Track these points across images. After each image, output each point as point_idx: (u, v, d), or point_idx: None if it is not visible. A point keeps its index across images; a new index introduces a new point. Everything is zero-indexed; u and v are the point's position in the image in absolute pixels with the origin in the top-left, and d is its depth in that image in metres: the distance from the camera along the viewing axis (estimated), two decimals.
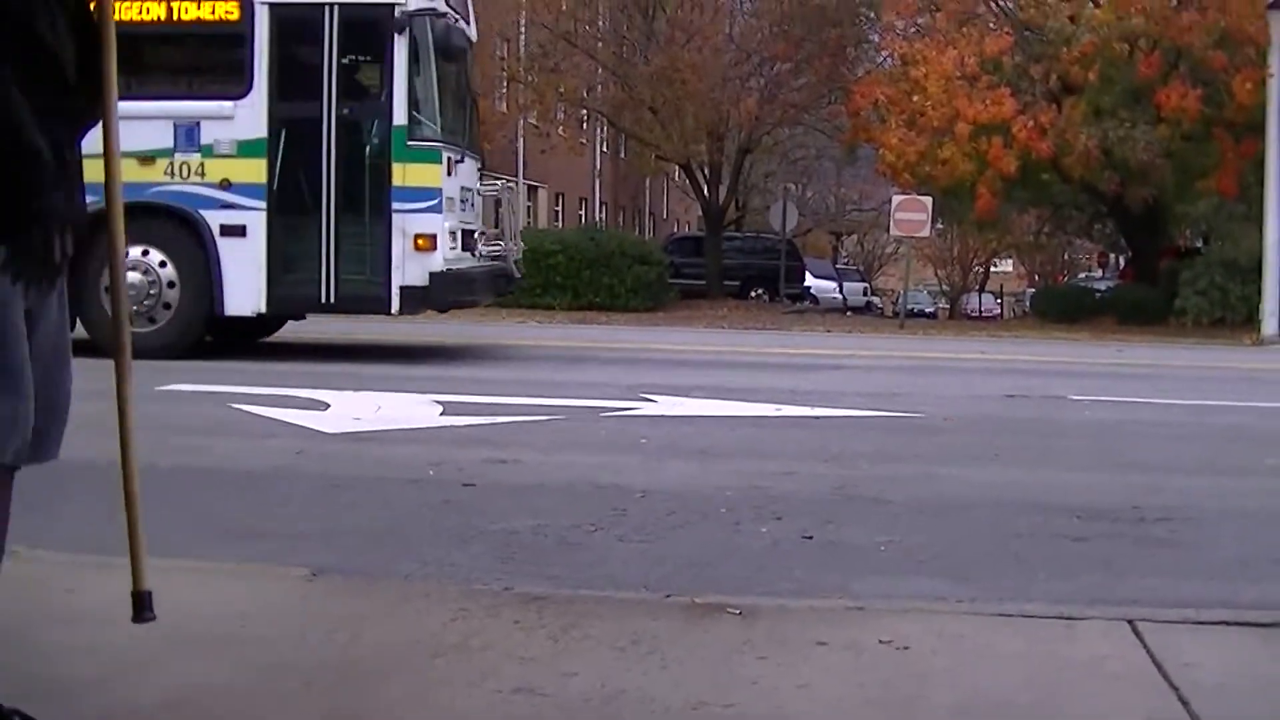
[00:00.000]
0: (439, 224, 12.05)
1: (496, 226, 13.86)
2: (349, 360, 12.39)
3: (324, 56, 11.86)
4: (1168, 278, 26.13)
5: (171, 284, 11.77)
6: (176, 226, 11.69)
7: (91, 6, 2.54)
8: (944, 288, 61.66)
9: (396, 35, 11.82)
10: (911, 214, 24.31)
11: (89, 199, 2.67)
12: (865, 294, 45.65)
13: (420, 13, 11.91)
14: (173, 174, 11.65)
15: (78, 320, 10.24)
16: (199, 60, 12.29)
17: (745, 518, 5.40)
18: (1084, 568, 4.69)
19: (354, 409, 8.57)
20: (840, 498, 5.86)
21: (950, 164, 25.41)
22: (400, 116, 11.88)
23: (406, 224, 11.89)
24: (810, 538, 5.00)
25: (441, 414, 8.47)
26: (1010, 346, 18.44)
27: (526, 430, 7.95)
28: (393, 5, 11.84)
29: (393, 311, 11.98)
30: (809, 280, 36.92)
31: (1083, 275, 55.35)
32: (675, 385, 10.65)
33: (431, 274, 11.93)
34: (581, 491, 5.92)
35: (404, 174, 11.89)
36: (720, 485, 6.11)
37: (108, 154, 2.66)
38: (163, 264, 11.71)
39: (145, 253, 11.63)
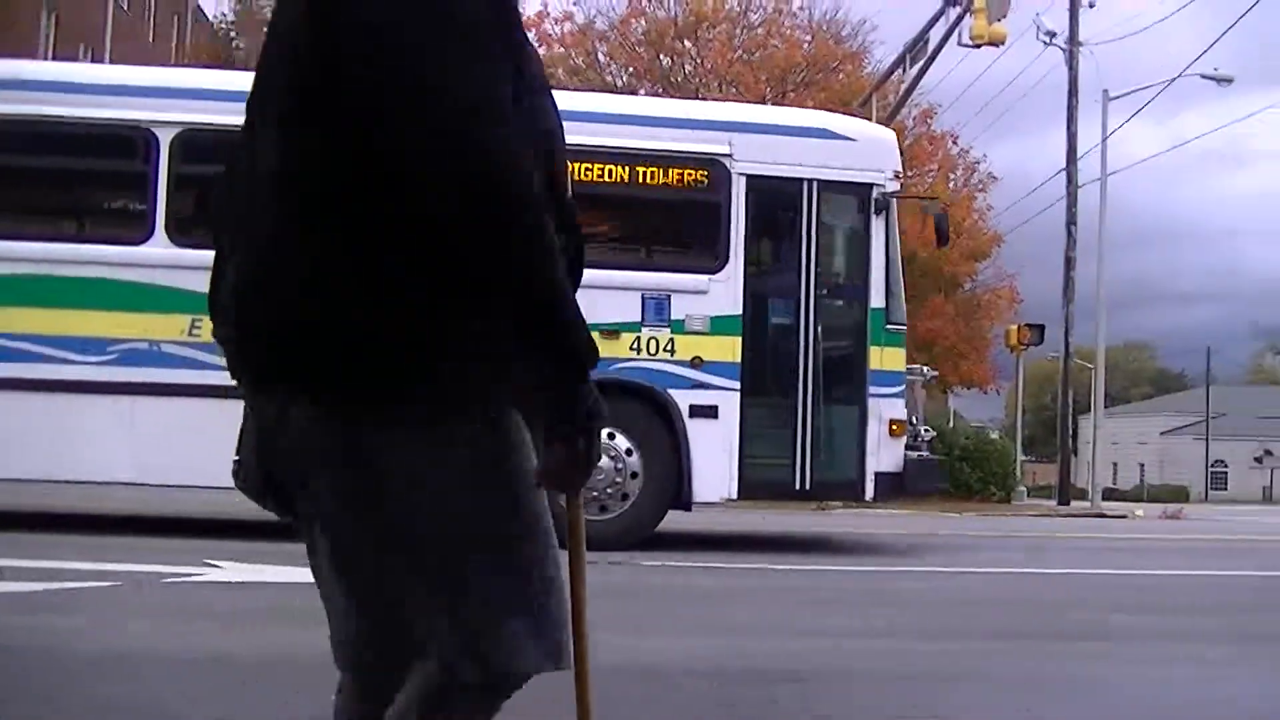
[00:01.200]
0: (904, 409, 11.14)
1: None
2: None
3: (801, 232, 11.17)
4: None
5: (634, 474, 10.81)
6: (643, 406, 10.80)
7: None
8: None
9: (874, 215, 11.06)
10: None
11: None
12: None
13: (894, 193, 11.17)
14: (639, 350, 10.84)
15: None
16: (670, 229, 11.62)
17: None
18: None
19: None
20: None
21: None
22: (878, 298, 11.14)
23: (882, 409, 11.01)
24: None
25: None
26: None
27: None
28: (871, 185, 11.07)
29: (866, 498, 10.98)
30: None
31: None
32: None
33: (906, 460, 10.95)
34: None
35: (880, 357, 11.05)
36: None
37: None
38: (629, 451, 10.78)
39: (612, 436, 10.75)
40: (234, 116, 2.33)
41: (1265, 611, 8.95)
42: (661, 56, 36.62)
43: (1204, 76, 31.06)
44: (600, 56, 38.09)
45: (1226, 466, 79.50)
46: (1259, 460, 71.65)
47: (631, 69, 37.69)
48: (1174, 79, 30.36)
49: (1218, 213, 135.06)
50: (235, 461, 2.37)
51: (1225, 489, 75.25)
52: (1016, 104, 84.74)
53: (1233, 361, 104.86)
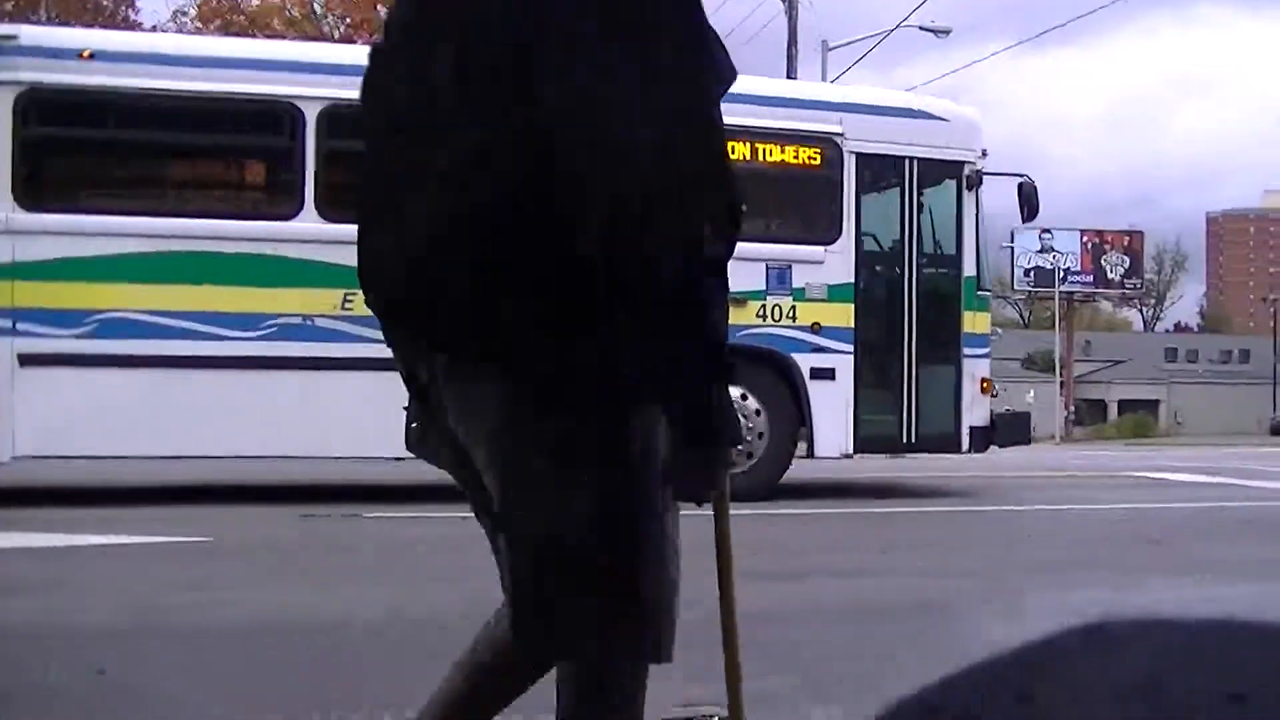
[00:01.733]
0: (989, 368, 12.30)
1: None
2: None
3: (903, 206, 12.08)
4: None
5: (761, 433, 11.65)
6: (769, 370, 11.64)
7: None
8: None
9: (966, 190, 12.07)
10: None
11: None
12: None
13: (983, 170, 12.21)
14: (764, 317, 11.65)
15: None
16: (789, 203, 12.39)
17: None
18: None
19: None
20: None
21: None
22: (970, 267, 12.19)
23: (974, 369, 12.11)
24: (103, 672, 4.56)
25: None
26: None
27: None
28: (963, 162, 12.08)
29: (963, 450, 12.09)
30: None
31: None
32: None
33: (993, 415, 12.16)
34: None
35: (973, 321, 12.12)
36: None
37: None
38: (758, 411, 11.61)
39: (744, 397, 11.56)
40: None
41: None
42: (379, 6, 36.34)
43: (922, 28, 31.17)
44: (317, 7, 37.93)
45: None
46: None
47: (349, 19, 37.60)
48: (892, 30, 30.54)
49: None
50: (408, 426, 2.48)
51: None
52: (737, 53, 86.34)
53: None
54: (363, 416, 9.95)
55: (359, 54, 10.72)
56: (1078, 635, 0.65)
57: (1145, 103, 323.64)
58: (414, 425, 2.47)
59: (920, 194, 12.25)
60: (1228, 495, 13.90)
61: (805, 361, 11.88)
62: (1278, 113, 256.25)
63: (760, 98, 11.84)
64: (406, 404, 2.46)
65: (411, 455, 2.54)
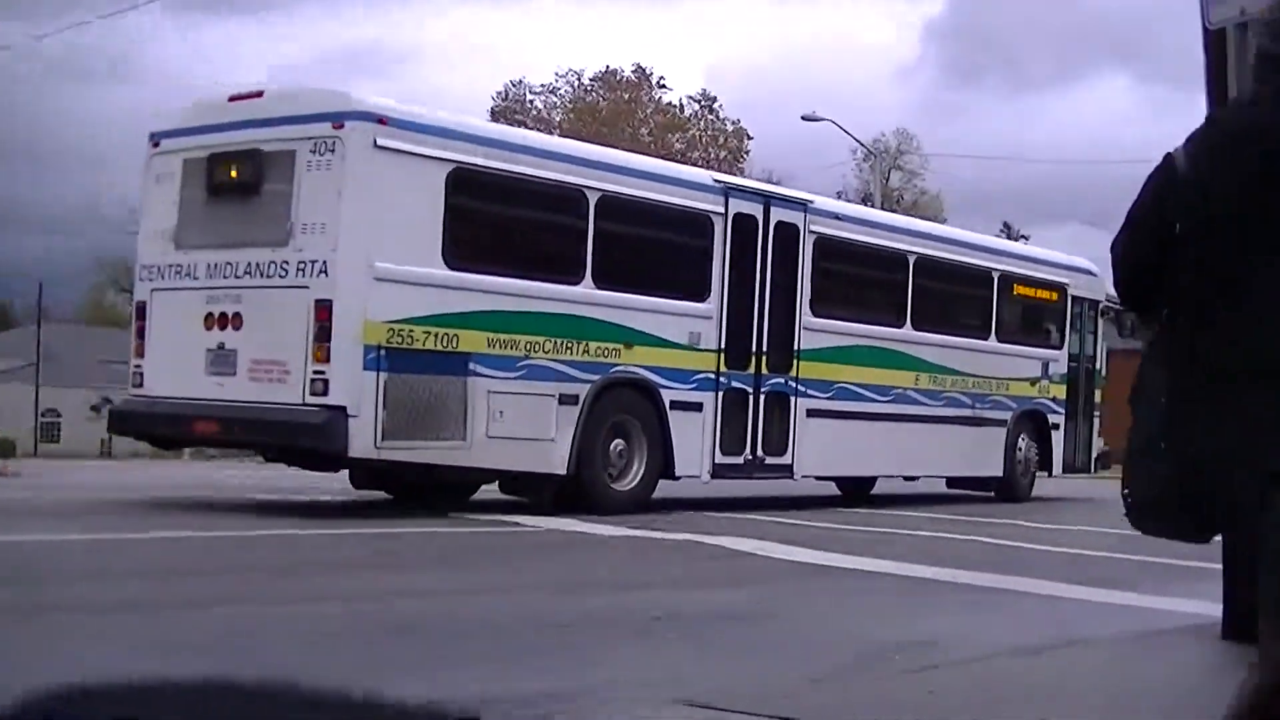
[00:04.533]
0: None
1: None
2: None
3: (1085, 331, 20.63)
4: None
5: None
6: (1039, 424, 19.59)
7: None
8: None
9: (1100, 319, 20.59)
10: None
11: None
12: None
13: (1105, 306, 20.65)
14: (1040, 392, 19.55)
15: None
16: (1045, 325, 20.17)
17: None
18: None
19: None
20: None
21: None
22: (1100, 364, 20.92)
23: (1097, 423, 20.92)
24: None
25: None
26: None
27: None
28: (1099, 301, 20.50)
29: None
30: None
31: None
32: None
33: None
34: None
35: (1099, 395, 20.86)
36: None
37: None
38: (1032, 449, 19.62)
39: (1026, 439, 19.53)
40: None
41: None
42: None
43: None
44: None
45: (60, 416, 68.65)
46: (96, 409, 54.98)
47: None
48: None
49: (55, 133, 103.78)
50: (1126, 498, 3.31)
51: (58, 441, 64.05)
52: None
53: (67, 300, 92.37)
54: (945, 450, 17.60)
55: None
56: None
57: None
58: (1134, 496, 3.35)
59: (1088, 325, 20.48)
60: None
61: (1052, 418, 19.71)
62: None
63: (1028, 258, 20.00)
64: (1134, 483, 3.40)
65: None
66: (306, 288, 12.25)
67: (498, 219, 13.66)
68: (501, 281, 13.18)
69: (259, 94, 13.28)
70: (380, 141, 12.29)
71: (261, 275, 12.62)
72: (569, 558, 10.52)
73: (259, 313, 12.64)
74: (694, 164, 55.27)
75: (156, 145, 13.71)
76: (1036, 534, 13.66)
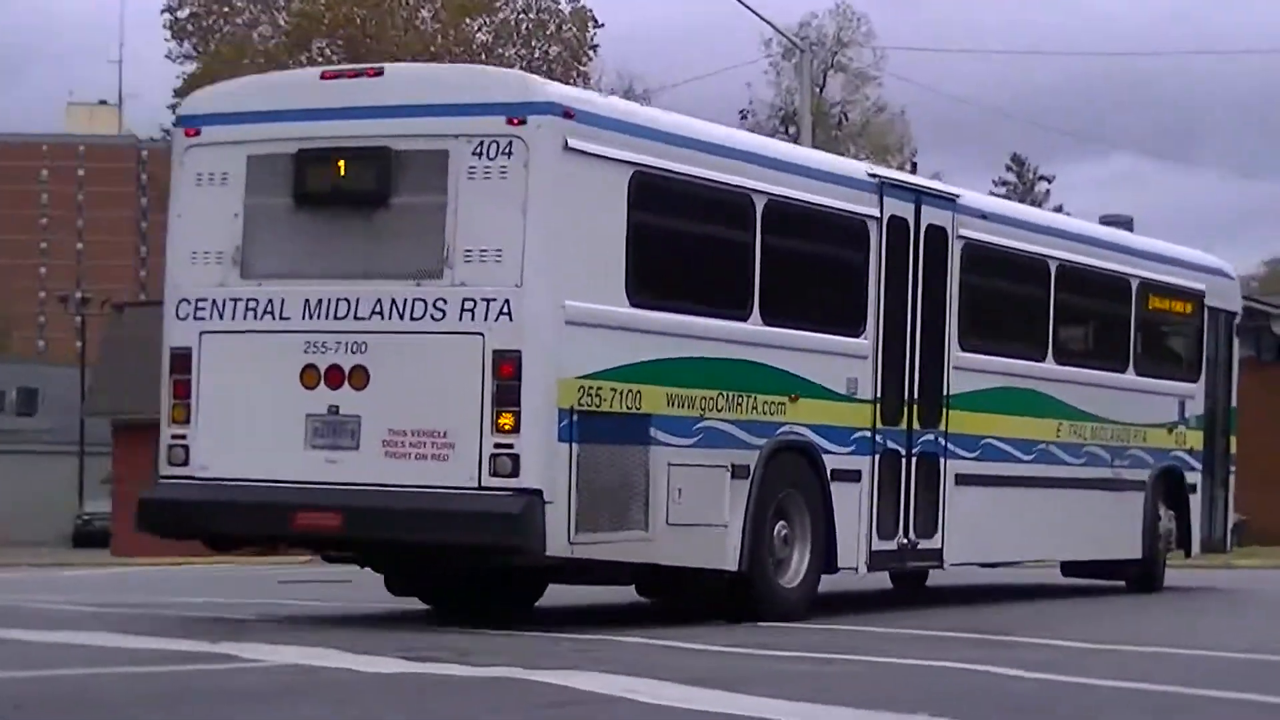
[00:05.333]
0: None
1: None
2: None
3: (1221, 354, 17.03)
4: None
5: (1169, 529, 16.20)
6: (1176, 481, 16.08)
7: None
8: None
9: (1234, 333, 17.29)
10: None
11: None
12: None
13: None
14: (1179, 442, 16.03)
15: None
16: (1176, 349, 16.78)
17: None
18: None
19: None
20: None
21: None
22: (1235, 400, 17.38)
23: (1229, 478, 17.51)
24: None
25: None
26: None
27: None
28: (1235, 313, 17.28)
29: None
30: None
31: None
32: None
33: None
34: None
35: (1234, 442, 17.41)
36: None
37: None
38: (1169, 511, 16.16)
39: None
40: None
41: None
42: None
43: None
44: None
45: None
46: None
47: None
48: None
49: None
50: None
51: None
52: None
53: None
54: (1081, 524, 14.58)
55: None
56: None
57: None
58: None
59: (1229, 341, 17.16)
60: None
61: (1190, 477, 16.42)
62: None
63: (1153, 254, 16.25)
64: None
65: None
66: (478, 334, 9.78)
67: (677, 239, 11.19)
68: (681, 321, 10.83)
69: (376, 71, 10.81)
70: (571, 143, 9.91)
71: (399, 316, 9.99)
72: None
73: (396, 366, 10.06)
74: (508, 64, 44.97)
75: (196, 133, 10.74)
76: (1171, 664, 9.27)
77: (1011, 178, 63.38)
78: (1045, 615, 13.47)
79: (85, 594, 16.10)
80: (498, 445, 9.63)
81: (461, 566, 11.07)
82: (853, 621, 11.56)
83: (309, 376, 10.12)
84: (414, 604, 12.01)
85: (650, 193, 10.51)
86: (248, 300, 10.37)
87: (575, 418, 9.81)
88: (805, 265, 12.03)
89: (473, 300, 9.75)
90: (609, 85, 46.38)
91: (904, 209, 12.53)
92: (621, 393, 10.19)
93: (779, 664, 8.77)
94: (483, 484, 9.66)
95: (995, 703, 7.31)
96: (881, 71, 48.64)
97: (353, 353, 10.02)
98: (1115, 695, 7.56)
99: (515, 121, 9.74)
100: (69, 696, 7.31)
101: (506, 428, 9.62)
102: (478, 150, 9.77)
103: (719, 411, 10.87)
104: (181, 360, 10.64)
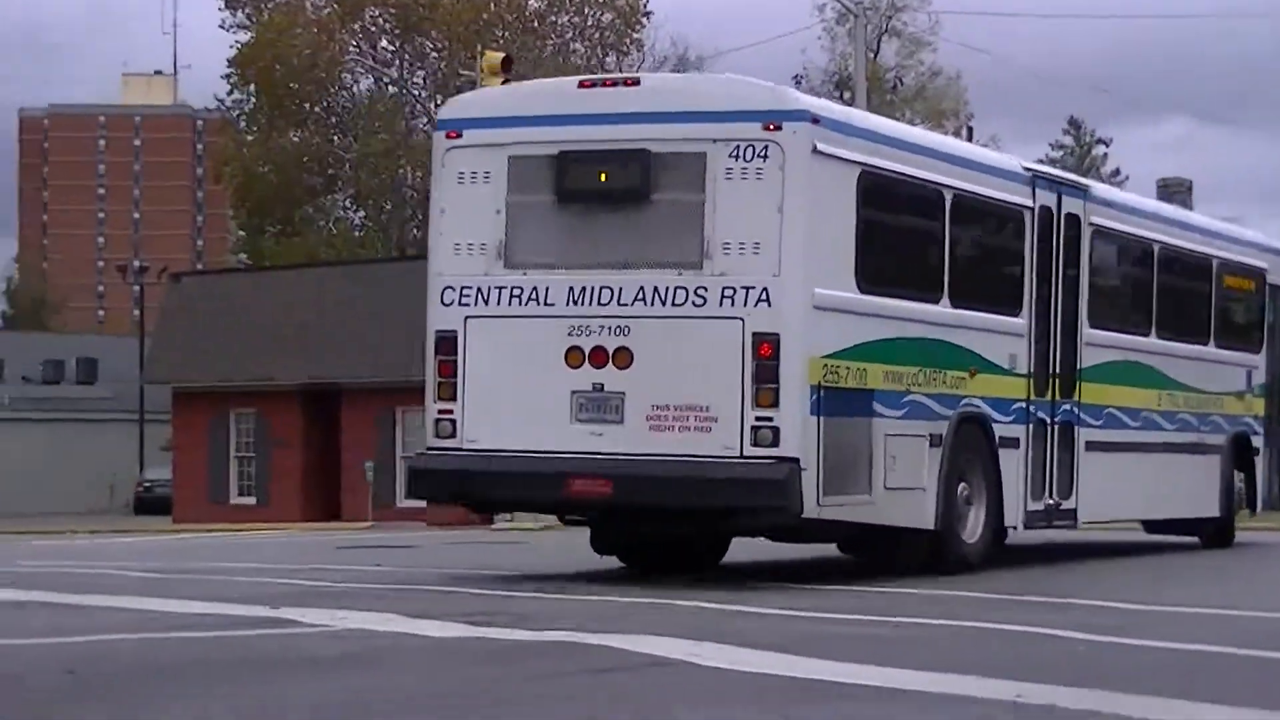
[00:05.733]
0: None
1: None
2: None
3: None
4: None
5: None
6: (1245, 445, 17.16)
7: None
8: None
9: None
10: None
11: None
12: None
13: None
14: (1245, 409, 17.14)
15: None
16: (1238, 322, 17.67)
17: None
18: None
19: None
20: None
21: None
22: None
23: None
24: None
25: None
26: None
27: None
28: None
29: None
30: None
31: None
32: None
33: None
34: None
35: None
36: None
37: None
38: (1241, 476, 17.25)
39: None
40: None
41: None
42: None
43: None
44: None
45: None
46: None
47: None
48: None
49: None
50: None
51: None
52: None
53: None
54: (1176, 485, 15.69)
55: None
56: None
57: None
58: None
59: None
60: None
61: (1256, 441, 17.60)
62: None
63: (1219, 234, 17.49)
64: None
65: None
66: (739, 319, 10.90)
67: (890, 230, 12.45)
68: (896, 305, 12.09)
69: (632, 81, 12.00)
70: (819, 146, 11.09)
71: (662, 302, 11.10)
72: None
73: (659, 347, 11.13)
74: (562, 34, 49.94)
75: (457, 136, 11.78)
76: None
77: (1069, 141, 62.59)
78: (1123, 575, 14.36)
79: (145, 560, 16.56)
80: (758, 418, 10.72)
81: (712, 529, 12.30)
82: (913, 585, 11.61)
83: (574, 357, 11.14)
84: (493, 568, 12.92)
85: (873, 189, 11.70)
86: (512, 287, 11.39)
87: (821, 393, 10.96)
88: (979, 251, 13.53)
89: (732, 288, 10.85)
90: (661, 52, 46.33)
91: (1049, 199, 13.83)
92: (853, 370, 11.39)
93: (839, 627, 8.79)
94: (744, 453, 10.76)
95: (1054, 666, 7.09)
96: (936, 36, 48.39)
97: (616, 335, 11.07)
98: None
99: (771, 127, 10.83)
100: (126, 661, 7.40)
101: (766, 403, 10.74)
102: (734, 153, 10.86)
103: (919, 386, 12.08)
104: (447, 342, 11.58)
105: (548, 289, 11.32)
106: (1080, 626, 8.57)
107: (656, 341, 11.06)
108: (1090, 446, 14.27)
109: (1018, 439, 13.24)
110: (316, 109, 52.30)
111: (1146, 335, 15.51)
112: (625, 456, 11.07)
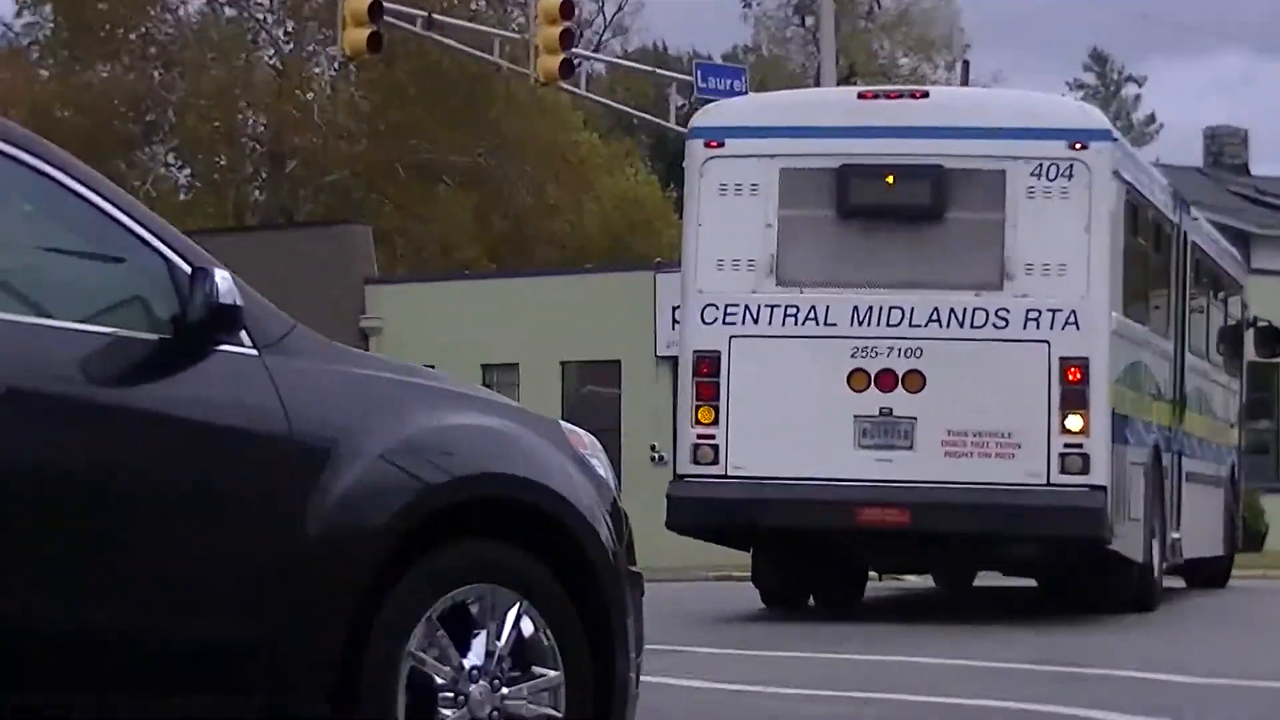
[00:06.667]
0: None
1: None
2: None
3: None
4: None
5: None
6: None
7: None
8: None
9: None
10: None
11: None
12: None
13: None
14: None
15: None
16: None
17: None
18: None
19: None
20: None
21: None
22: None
23: None
24: None
25: None
26: None
27: None
28: None
29: None
30: None
31: None
32: None
33: None
34: None
35: None
36: None
37: None
38: None
39: None
40: None
41: None
42: None
43: None
44: None
45: None
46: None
47: None
48: None
49: None
50: None
51: None
52: None
53: None
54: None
55: None
56: None
57: None
58: None
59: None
60: None
61: (1237, 473, 17.39)
62: None
63: None
64: None
65: None
66: (1044, 341, 10.71)
67: (1134, 255, 12.20)
68: (1139, 330, 12.24)
69: (922, 94, 11.83)
70: (1118, 168, 11.16)
71: (959, 324, 10.83)
72: None
73: (955, 371, 10.86)
74: None
75: (719, 145, 11.24)
76: None
77: (1091, 79, 53.25)
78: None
79: None
80: (1067, 445, 10.58)
81: (1004, 555, 12.01)
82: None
83: (858, 379, 10.76)
84: None
85: (1130, 214, 11.66)
86: (786, 306, 10.91)
87: (1114, 419, 10.92)
88: (1155, 272, 13.34)
89: (1037, 310, 10.64)
90: None
91: (1184, 220, 13.85)
92: (1127, 397, 11.48)
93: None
94: (1050, 480, 10.56)
95: None
96: None
97: (907, 357, 10.72)
98: None
99: (1078, 146, 10.69)
100: None
101: (1076, 429, 10.57)
102: (1036, 171, 10.66)
103: (1139, 413, 12.09)
104: (709, 363, 11.01)
105: (828, 308, 10.88)
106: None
107: (952, 365, 10.74)
108: (1189, 478, 14.14)
109: (1167, 468, 13.15)
110: (132, 37, 41.01)
111: (1204, 359, 15.34)
112: (918, 484, 10.69)
